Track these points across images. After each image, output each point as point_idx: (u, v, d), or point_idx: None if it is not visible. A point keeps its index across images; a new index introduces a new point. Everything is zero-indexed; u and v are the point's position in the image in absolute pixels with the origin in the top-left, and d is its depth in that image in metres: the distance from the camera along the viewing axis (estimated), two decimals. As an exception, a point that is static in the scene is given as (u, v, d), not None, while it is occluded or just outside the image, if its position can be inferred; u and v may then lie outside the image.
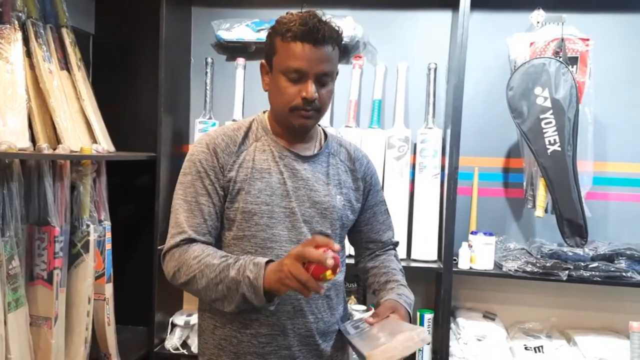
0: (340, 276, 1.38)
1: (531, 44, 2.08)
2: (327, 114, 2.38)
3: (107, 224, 2.07)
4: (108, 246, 2.06)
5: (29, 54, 1.92)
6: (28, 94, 1.86)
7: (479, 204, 2.34)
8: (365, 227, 1.45)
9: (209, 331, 1.33)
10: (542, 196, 2.08)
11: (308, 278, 1.05)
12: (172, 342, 2.27)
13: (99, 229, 2.00)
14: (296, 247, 1.11)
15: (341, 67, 2.35)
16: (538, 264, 2.09)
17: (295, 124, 1.26)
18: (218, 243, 1.30)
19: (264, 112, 1.37)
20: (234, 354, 1.29)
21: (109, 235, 2.06)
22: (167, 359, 2.31)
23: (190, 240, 1.23)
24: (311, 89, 1.21)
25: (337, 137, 1.45)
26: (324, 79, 1.24)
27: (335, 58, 1.25)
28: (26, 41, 1.91)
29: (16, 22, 1.87)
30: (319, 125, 1.41)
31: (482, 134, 2.38)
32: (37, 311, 1.73)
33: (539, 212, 2.10)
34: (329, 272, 1.06)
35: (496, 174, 2.40)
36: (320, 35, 1.19)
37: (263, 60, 1.30)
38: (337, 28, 1.25)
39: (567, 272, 2.07)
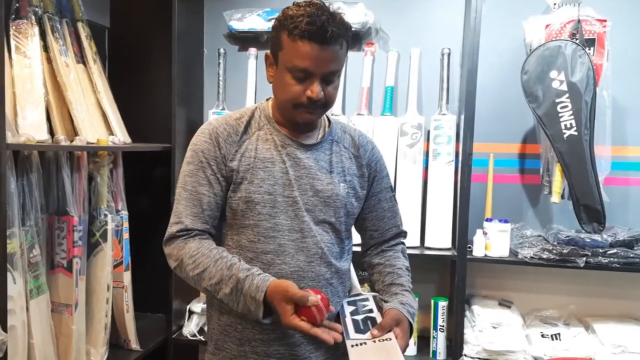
0: (345, 264, 1.38)
1: (547, 26, 2.04)
2: (338, 102, 2.39)
3: (125, 213, 2.11)
4: (126, 235, 2.10)
5: (46, 48, 1.95)
6: (46, 87, 1.89)
7: (495, 190, 2.32)
8: (370, 214, 1.43)
9: (215, 317, 1.35)
10: (558, 182, 2.05)
11: (307, 328, 1.12)
12: (190, 328, 2.31)
13: (116, 219, 2.04)
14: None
15: (353, 54, 2.41)
16: (554, 251, 2.07)
17: (299, 120, 1.26)
18: (221, 231, 1.32)
19: (267, 99, 1.37)
20: (238, 340, 1.30)
21: (126, 224, 2.10)
22: (184, 345, 2.37)
23: (187, 231, 1.24)
24: (317, 89, 1.20)
25: (341, 124, 1.43)
26: (331, 77, 1.22)
27: (343, 55, 1.24)
28: (43, 36, 1.94)
29: (33, 17, 1.90)
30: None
31: (498, 119, 2.35)
32: (58, 298, 1.78)
33: (555, 198, 2.07)
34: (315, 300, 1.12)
35: (512, 160, 2.37)
36: (329, 35, 1.16)
37: (268, 52, 1.28)
38: (345, 22, 1.22)
39: (584, 258, 2.05)
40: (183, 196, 1.27)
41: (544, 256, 2.07)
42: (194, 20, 2.48)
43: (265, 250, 1.26)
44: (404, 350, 1.23)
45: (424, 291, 2.35)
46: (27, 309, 1.59)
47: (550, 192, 2.12)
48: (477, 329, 2.18)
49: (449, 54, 2.33)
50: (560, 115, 1.99)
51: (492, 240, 2.15)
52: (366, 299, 1.40)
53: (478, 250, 2.17)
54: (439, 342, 2.23)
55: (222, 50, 2.49)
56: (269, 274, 1.21)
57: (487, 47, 2.23)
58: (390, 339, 1.23)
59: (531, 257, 2.08)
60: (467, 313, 2.27)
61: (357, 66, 2.41)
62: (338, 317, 1.35)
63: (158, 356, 2.28)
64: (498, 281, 2.39)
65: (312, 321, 1.12)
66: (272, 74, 1.28)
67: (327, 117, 1.40)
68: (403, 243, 1.50)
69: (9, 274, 1.47)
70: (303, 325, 1.11)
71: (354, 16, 2.30)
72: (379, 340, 1.23)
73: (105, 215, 1.98)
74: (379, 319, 1.30)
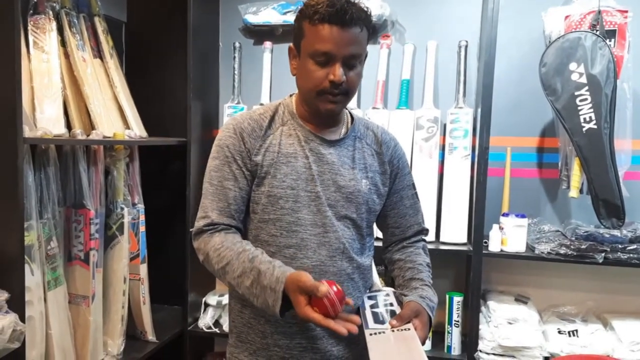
0: (366, 260, 1.38)
1: (566, 17, 2.00)
2: (354, 96, 2.38)
3: (141, 207, 2.13)
4: (142, 228, 2.12)
5: (63, 43, 1.98)
6: (63, 82, 1.92)
7: (512, 185, 2.29)
8: (392, 211, 1.43)
9: (237, 310, 1.36)
10: (576, 176, 2.01)
11: (319, 319, 1.09)
12: (205, 321, 2.33)
13: (132, 212, 2.06)
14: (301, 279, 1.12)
15: (369, 48, 2.36)
16: (572, 247, 2.04)
17: (322, 109, 1.25)
18: (245, 225, 1.33)
19: (291, 95, 1.37)
20: (261, 332, 1.31)
21: (142, 217, 2.12)
22: (200, 337, 2.39)
23: (213, 225, 1.26)
24: (339, 72, 1.19)
25: (364, 120, 1.43)
26: (352, 62, 1.22)
27: (363, 40, 1.23)
28: (60, 31, 1.97)
29: (50, 12, 1.92)
30: (347, 109, 1.39)
31: (516, 112, 2.32)
32: (76, 290, 1.81)
33: (573, 192, 2.04)
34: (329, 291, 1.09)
35: (530, 154, 2.34)
36: (348, 16, 1.17)
37: (291, 44, 1.29)
38: (365, 9, 1.23)
39: (603, 254, 2.01)
40: (210, 191, 1.29)
41: (562, 252, 2.04)
42: (209, 14, 2.49)
43: (287, 244, 1.27)
44: (423, 342, 1.22)
45: (439, 286, 2.29)
46: (45, 300, 1.61)
47: (568, 187, 2.08)
48: (492, 324, 2.16)
49: (466, 47, 2.30)
50: (579, 108, 1.95)
51: (509, 235, 2.13)
52: (386, 294, 1.40)
53: (494, 245, 2.15)
54: (454, 338, 2.22)
55: (237, 44, 2.50)
56: (291, 268, 1.22)
57: (506, 39, 2.20)
58: (409, 329, 1.22)
59: (548, 253, 2.05)
60: (483, 308, 2.25)
61: (372, 59, 2.39)
62: (358, 311, 1.35)
63: (174, 348, 2.31)
64: (515, 276, 2.37)
65: (325, 313, 1.10)
66: (295, 66, 1.28)
67: (351, 113, 1.40)
68: (424, 240, 1.49)
69: (27, 266, 1.49)
70: (316, 316, 1.09)
71: (370, 9, 2.28)
72: (398, 330, 1.23)
73: (122, 209, 2.01)
74: (398, 311, 1.29)
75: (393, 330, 1.23)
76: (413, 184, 1.45)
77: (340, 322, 1.11)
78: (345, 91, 1.23)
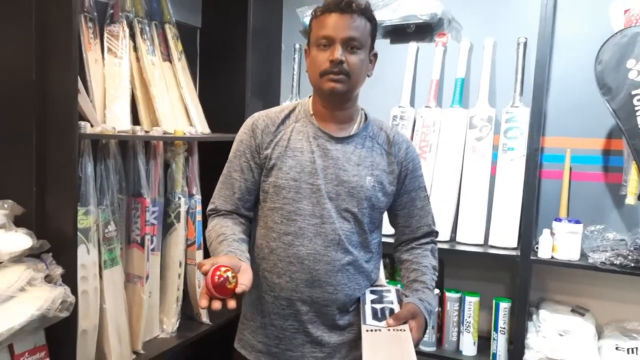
0: (366, 255, 1.42)
1: (626, 11, 1.85)
2: (407, 94, 2.38)
3: (198, 197, 2.30)
4: (199, 217, 2.29)
5: (135, 48, 2.20)
6: (133, 83, 2.14)
7: (574, 189, 2.16)
8: (402, 211, 1.48)
9: (247, 293, 1.47)
10: (634, 181, 1.86)
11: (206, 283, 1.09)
12: (255, 308, 2.46)
13: (189, 202, 2.24)
14: None
15: (423, 46, 2.37)
16: (630, 257, 1.89)
17: (326, 89, 1.34)
18: (256, 213, 1.46)
19: (310, 96, 1.46)
20: (261, 312, 1.44)
21: (199, 207, 2.29)
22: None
23: (216, 211, 1.42)
24: (337, 52, 1.30)
25: (379, 122, 1.49)
26: (352, 44, 1.31)
27: (363, 28, 1.32)
28: (133, 37, 2.19)
29: (124, 21, 2.14)
30: (362, 110, 1.47)
31: (577, 112, 2.18)
32: (133, 270, 2.01)
33: (630, 199, 1.89)
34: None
35: (594, 156, 2.18)
36: (344, 3, 1.29)
37: (306, 47, 1.40)
38: (365, 3, 1.33)
39: (665, 267, 1.84)
40: (220, 180, 1.46)
41: (617, 262, 1.90)
42: (273, 18, 2.61)
43: (286, 231, 1.37)
44: (417, 344, 1.26)
45: (486, 291, 2.27)
46: (101, 277, 1.82)
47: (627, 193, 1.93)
48: (541, 334, 2.06)
49: (525, 44, 2.21)
50: (636, 108, 1.80)
51: (560, 242, 2.01)
52: (388, 291, 1.44)
53: (544, 252, 2.04)
54: (499, 345, 2.14)
55: (297, 46, 2.60)
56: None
57: (570, 34, 2.13)
58: (405, 330, 1.26)
59: (602, 262, 1.92)
60: (533, 317, 2.15)
61: (427, 58, 2.38)
62: (358, 302, 1.40)
63: (227, 331, 2.44)
64: (574, 286, 2.23)
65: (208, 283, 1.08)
66: (307, 62, 1.39)
67: (365, 113, 1.46)
68: (434, 242, 1.52)
69: (83, 246, 1.70)
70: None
71: (423, 7, 2.27)
72: (394, 330, 1.27)
73: (179, 199, 2.19)
74: (397, 310, 1.34)
75: (389, 330, 1.27)
76: (424, 187, 1.50)
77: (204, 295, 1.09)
78: (346, 72, 1.31)
